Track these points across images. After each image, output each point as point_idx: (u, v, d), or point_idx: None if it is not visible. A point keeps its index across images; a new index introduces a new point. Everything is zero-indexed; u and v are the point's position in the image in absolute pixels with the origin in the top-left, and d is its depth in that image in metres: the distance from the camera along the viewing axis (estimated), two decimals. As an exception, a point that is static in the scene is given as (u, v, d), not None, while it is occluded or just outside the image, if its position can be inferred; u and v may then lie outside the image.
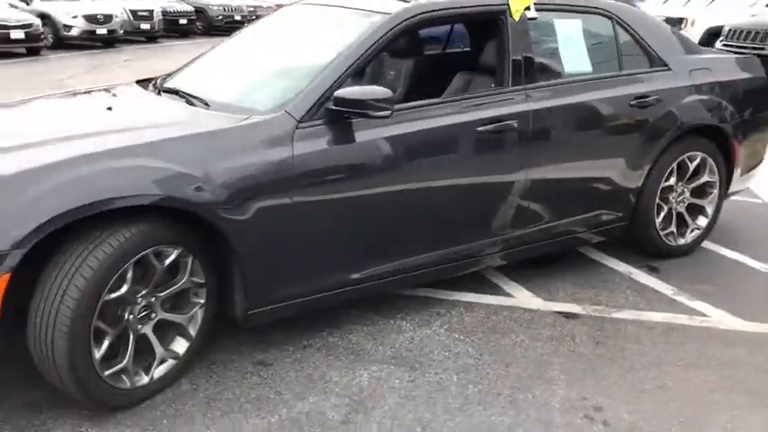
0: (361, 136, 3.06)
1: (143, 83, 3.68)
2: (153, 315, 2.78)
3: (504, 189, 3.50)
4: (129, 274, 2.60)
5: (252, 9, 20.57)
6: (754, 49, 9.19)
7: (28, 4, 16.03)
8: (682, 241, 4.29)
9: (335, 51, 3.17)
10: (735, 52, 5.78)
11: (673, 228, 4.23)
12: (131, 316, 2.69)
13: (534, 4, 3.60)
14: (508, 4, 3.52)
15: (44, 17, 15.39)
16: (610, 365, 3.12)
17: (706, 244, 4.47)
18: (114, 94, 3.56)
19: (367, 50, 3.16)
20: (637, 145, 3.88)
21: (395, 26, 3.25)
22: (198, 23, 19.62)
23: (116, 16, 16.34)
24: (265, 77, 3.42)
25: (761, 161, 4.68)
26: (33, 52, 14.63)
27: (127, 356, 2.69)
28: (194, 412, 2.74)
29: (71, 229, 2.47)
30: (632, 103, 3.84)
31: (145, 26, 17.56)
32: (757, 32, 10.09)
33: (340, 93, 2.95)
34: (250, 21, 17.05)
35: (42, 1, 16.05)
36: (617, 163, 3.84)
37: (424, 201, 3.25)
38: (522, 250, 3.73)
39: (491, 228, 3.54)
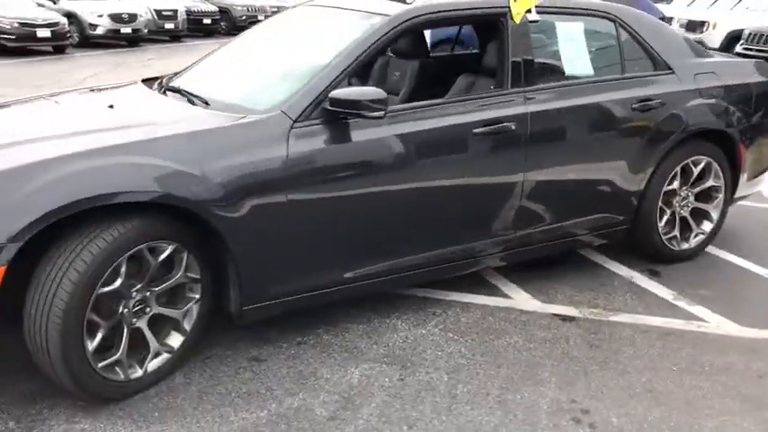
0: (357, 136, 3.09)
1: (148, 82, 3.74)
2: (148, 309, 2.83)
3: (502, 191, 3.51)
4: (123, 269, 2.66)
5: (275, 9, 20.63)
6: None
7: (55, 2, 16.31)
8: (685, 246, 4.26)
9: (334, 52, 3.20)
10: (755, 56, 5.73)
11: (676, 232, 4.20)
12: (126, 310, 2.75)
13: (536, 6, 3.60)
14: (509, 7, 3.53)
15: (70, 16, 15.66)
16: (602, 369, 3.12)
17: (710, 249, 4.43)
18: (118, 93, 3.63)
19: (365, 51, 3.19)
20: (639, 148, 3.87)
21: (394, 28, 3.28)
22: (222, 23, 19.80)
23: (140, 16, 16.56)
24: (265, 78, 3.47)
25: (769, 166, 4.63)
26: (59, 50, 14.90)
27: (121, 349, 2.75)
28: (185, 405, 2.79)
29: (66, 224, 2.53)
30: (634, 106, 3.82)
31: (169, 25, 17.76)
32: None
33: (335, 93, 2.99)
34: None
35: (69, 0, 16.31)
36: (618, 166, 3.83)
37: (418, 201, 3.27)
38: (521, 252, 3.73)
39: (488, 229, 3.56)
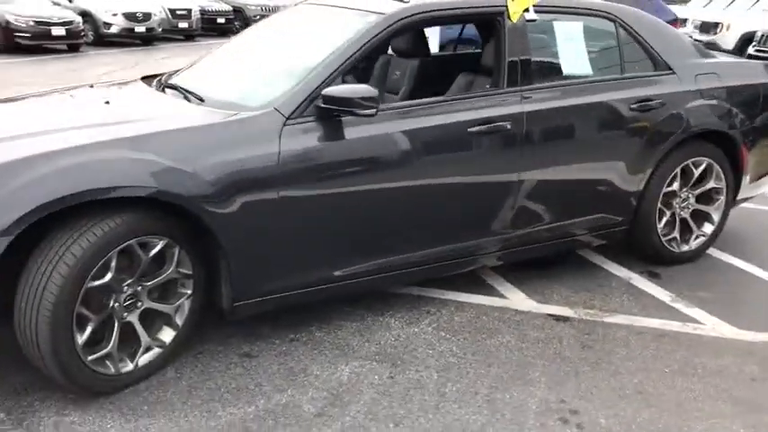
0: (351, 134, 3.09)
1: (148, 79, 3.77)
2: (139, 304, 2.85)
3: (497, 190, 3.50)
4: (114, 263, 2.67)
5: (289, 9, 20.76)
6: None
7: (71, 1, 16.46)
8: (685, 248, 4.23)
9: (329, 51, 3.21)
10: (767, 58, 5.68)
11: (676, 234, 4.17)
12: (117, 304, 2.77)
13: (534, 6, 3.59)
14: (506, 6, 3.52)
15: (85, 15, 15.82)
16: (593, 369, 3.11)
17: (712, 251, 4.40)
18: (116, 90, 3.66)
19: (359, 50, 3.20)
20: (638, 149, 3.84)
21: (389, 26, 3.28)
22: (236, 22, 19.89)
23: (155, 15, 16.68)
24: (261, 75, 3.48)
25: (774, 168, 4.58)
26: (74, 49, 15.04)
27: (111, 343, 2.77)
28: (175, 400, 2.81)
29: (56, 218, 2.55)
30: (633, 106, 3.80)
31: (183, 24, 17.88)
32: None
33: (328, 91, 3.00)
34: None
35: (84, -2, 16.49)
36: (616, 166, 3.81)
37: (411, 200, 3.27)
38: (518, 251, 3.72)
39: (483, 228, 3.55)
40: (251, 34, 4.12)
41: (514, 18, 3.53)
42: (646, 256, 4.21)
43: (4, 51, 14.06)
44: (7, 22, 13.97)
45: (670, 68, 3.99)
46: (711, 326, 3.52)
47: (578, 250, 4.32)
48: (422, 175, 3.27)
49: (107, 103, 3.29)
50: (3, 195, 2.46)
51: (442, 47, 6.66)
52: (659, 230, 4.08)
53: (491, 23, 3.58)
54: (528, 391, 2.93)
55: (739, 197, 4.41)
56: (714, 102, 4.07)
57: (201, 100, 3.25)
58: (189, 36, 18.35)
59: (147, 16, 16.46)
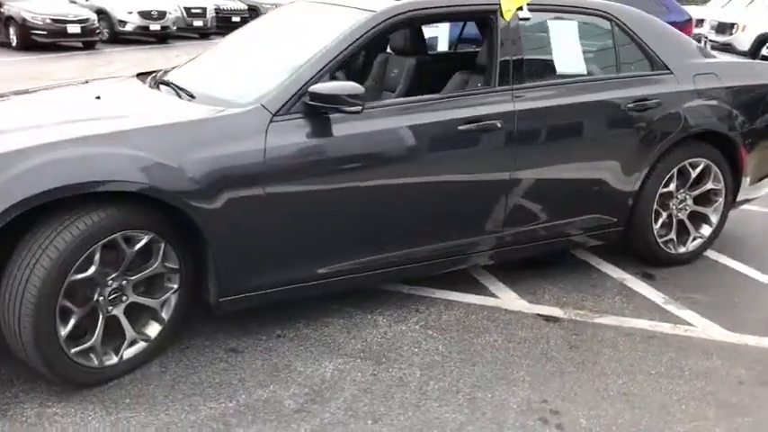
0: (338, 131, 3.10)
1: (142, 76, 3.80)
2: (124, 298, 2.87)
3: (488, 188, 3.49)
4: (97, 257, 2.70)
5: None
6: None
7: (87, -1, 16.63)
8: (682, 249, 4.19)
9: (319, 48, 3.22)
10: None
11: (672, 235, 4.13)
12: (101, 297, 2.79)
13: (528, 4, 3.57)
14: (499, 4, 3.51)
15: (101, 12, 15.99)
16: (579, 370, 3.09)
17: (710, 253, 4.36)
18: (109, 86, 3.69)
19: (348, 47, 3.20)
20: (632, 149, 3.81)
21: (379, 23, 3.28)
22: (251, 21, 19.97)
23: (169, 13, 16.81)
24: (252, 72, 3.49)
25: (775, 170, 4.52)
26: (89, 46, 15.22)
27: (95, 336, 2.80)
28: (157, 393, 2.83)
29: (40, 212, 2.58)
30: (629, 106, 3.77)
31: (198, 23, 18.00)
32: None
33: (314, 88, 3.00)
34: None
35: (100, -3, 16.65)
36: (610, 166, 3.78)
37: (398, 197, 3.26)
38: (510, 251, 3.71)
39: (474, 227, 3.54)
40: (247, 31, 4.14)
41: (507, 16, 3.52)
42: (642, 258, 4.17)
43: (21, 48, 14.26)
44: (24, 20, 14.16)
45: (667, 68, 3.96)
46: (702, 328, 3.48)
47: (574, 251, 4.30)
48: (410, 172, 3.27)
49: (98, 98, 3.31)
50: None
51: (451, 45, 6.65)
52: (655, 232, 4.04)
53: (484, 22, 3.57)
54: (510, 391, 2.92)
55: (739, 199, 4.36)
56: (712, 102, 4.03)
57: (192, 96, 3.27)
58: (204, 34, 18.45)
59: (161, 14, 16.59)
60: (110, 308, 2.83)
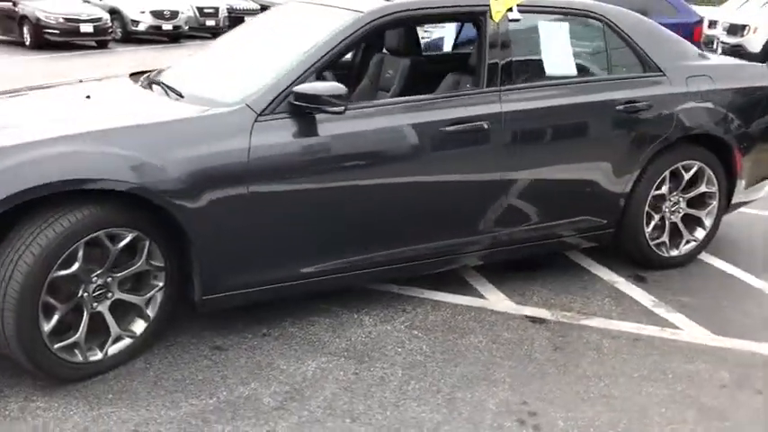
0: (323, 131, 3.12)
1: (135, 76, 3.84)
2: (109, 294, 2.91)
3: (475, 189, 3.50)
4: (80, 254, 2.73)
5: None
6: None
7: (100, -1, 16.79)
8: (675, 252, 4.17)
9: (306, 48, 3.24)
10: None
11: (665, 238, 4.11)
12: (86, 294, 2.83)
13: (519, 5, 3.58)
14: (489, 5, 3.52)
15: (114, 12, 16.14)
16: (561, 372, 3.09)
17: (704, 256, 4.33)
18: (101, 85, 3.73)
19: (335, 47, 3.22)
20: (623, 151, 3.80)
21: (366, 24, 3.30)
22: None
23: (182, 12, 16.95)
24: (240, 72, 3.52)
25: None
26: (102, 45, 15.38)
27: (79, 332, 2.84)
28: (140, 389, 2.87)
29: (24, 210, 2.62)
30: (619, 107, 3.76)
31: (210, 22, 18.12)
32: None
33: (298, 88, 3.03)
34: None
35: (114, -4, 16.80)
36: (600, 168, 3.77)
37: (383, 198, 3.28)
38: (498, 252, 3.71)
39: (461, 228, 3.55)
40: (240, 32, 4.18)
41: (497, 18, 3.52)
42: (634, 260, 4.16)
43: (34, 47, 14.42)
44: (37, 19, 14.32)
45: (660, 70, 3.94)
46: (689, 331, 3.46)
47: (567, 252, 4.30)
48: (395, 173, 3.29)
49: (87, 97, 3.36)
50: None
51: (456, 46, 6.64)
52: (647, 234, 4.02)
53: (474, 23, 3.58)
54: (490, 392, 2.92)
55: (734, 202, 4.33)
56: (705, 104, 4.00)
57: (181, 96, 3.30)
58: (216, 34, 18.45)
59: (174, 14, 16.72)
60: (94, 304, 2.87)
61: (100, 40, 15.16)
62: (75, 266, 2.74)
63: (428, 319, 3.50)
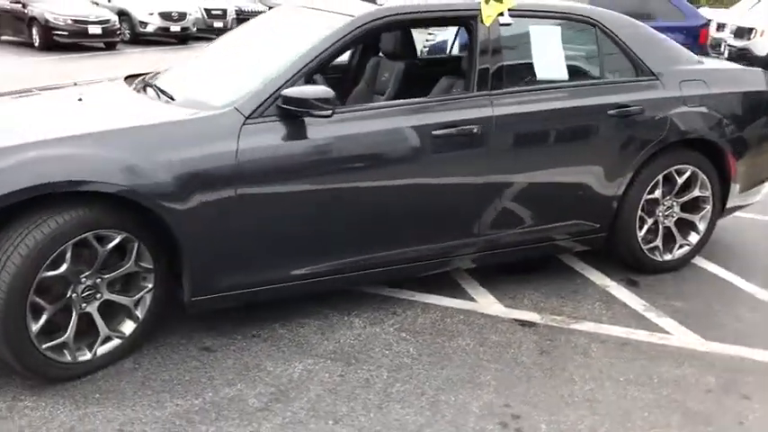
0: (312, 134, 3.14)
1: (130, 79, 3.88)
2: (98, 295, 2.94)
3: (465, 193, 3.51)
4: (68, 255, 2.77)
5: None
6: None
7: (109, 0, 16.89)
8: (668, 257, 4.16)
9: (296, 52, 3.26)
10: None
11: (658, 242, 4.11)
12: (74, 294, 2.86)
13: (510, 10, 3.59)
14: (480, 9, 3.53)
15: (122, 14, 16.27)
16: (546, 375, 3.09)
17: (698, 261, 4.32)
18: (94, 88, 3.77)
19: (324, 51, 3.24)
20: (615, 155, 3.80)
21: (356, 29, 3.32)
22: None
23: (190, 14, 17.04)
24: (231, 76, 3.55)
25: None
26: (110, 47, 15.50)
27: (68, 332, 2.87)
28: (127, 389, 2.90)
29: (11, 212, 2.66)
30: (611, 112, 3.76)
31: (218, 24, 18.21)
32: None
33: (286, 92, 3.05)
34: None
35: (122, -2, 16.93)
36: (592, 172, 3.77)
37: (372, 201, 3.30)
38: (490, 255, 3.72)
39: (451, 231, 3.56)
40: (234, 35, 4.21)
41: (488, 22, 3.53)
42: (627, 264, 4.16)
43: (43, 49, 14.55)
44: (46, 21, 14.45)
45: (653, 74, 3.94)
46: (678, 336, 3.46)
47: (560, 256, 4.30)
48: (384, 176, 3.30)
49: (80, 100, 3.39)
50: None
51: (461, 49, 6.66)
52: (639, 238, 4.02)
53: (465, 27, 3.59)
54: (475, 395, 2.93)
55: (729, 206, 4.32)
56: (699, 109, 4.00)
57: (172, 99, 3.33)
58: (224, 36, 18.64)
59: (182, 16, 16.82)
60: (83, 305, 2.90)
61: (108, 41, 15.28)
62: (64, 267, 2.77)
63: (417, 321, 3.52)
